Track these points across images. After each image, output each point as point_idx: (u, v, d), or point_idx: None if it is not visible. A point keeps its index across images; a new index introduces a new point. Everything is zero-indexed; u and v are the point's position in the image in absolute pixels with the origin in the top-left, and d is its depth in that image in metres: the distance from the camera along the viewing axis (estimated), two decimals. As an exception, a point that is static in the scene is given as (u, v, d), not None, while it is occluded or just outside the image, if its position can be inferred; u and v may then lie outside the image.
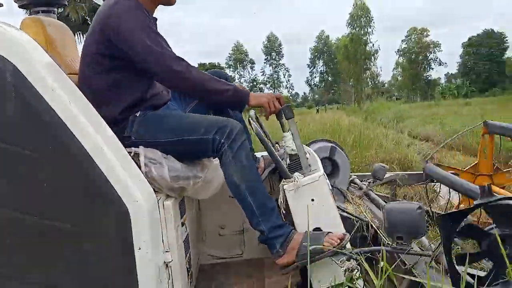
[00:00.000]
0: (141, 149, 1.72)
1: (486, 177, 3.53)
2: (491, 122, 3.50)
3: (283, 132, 1.93)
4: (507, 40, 60.16)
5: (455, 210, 2.03)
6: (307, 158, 1.92)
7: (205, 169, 1.87)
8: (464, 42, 63.89)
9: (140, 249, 1.49)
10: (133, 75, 1.81)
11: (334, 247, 1.62)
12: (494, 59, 59.11)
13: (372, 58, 56.76)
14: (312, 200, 1.78)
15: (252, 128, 1.82)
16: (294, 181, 1.77)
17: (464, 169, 3.64)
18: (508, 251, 1.43)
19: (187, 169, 1.77)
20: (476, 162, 3.64)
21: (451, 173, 3.04)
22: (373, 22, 55.60)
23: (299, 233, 1.74)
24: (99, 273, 1.50)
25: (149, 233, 1.51)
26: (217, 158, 1.81)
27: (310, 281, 1.74)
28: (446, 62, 73.93)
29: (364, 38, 54.77)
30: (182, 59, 1.79)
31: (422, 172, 3.23)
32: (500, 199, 1.48)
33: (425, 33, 64.93)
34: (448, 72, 69.81)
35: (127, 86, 1.81)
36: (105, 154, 1.48)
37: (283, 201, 1.80)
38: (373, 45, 56.48)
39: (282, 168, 1.80)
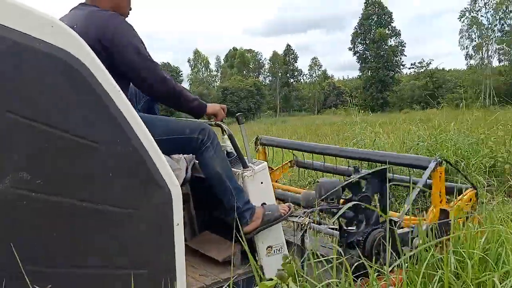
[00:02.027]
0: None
1: None
2: (263, 137, 4.57)
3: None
4: (181, 73, 69.57)
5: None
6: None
7: (179, 161, 2.32)
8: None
9: (177, 224, 1.91)
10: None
11: (287, 213, 2.39)
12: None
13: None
14: (261, 183, 2.45)
15: (225, 130, 2.40)
16: (251, 170, 2.42)
17: None
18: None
19: (173, 162, 2.20)
20: None
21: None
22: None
23: (259, 207, 2.38)
24: (148, 249, 1.83)
25: (181, 211, 1.93)
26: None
27: (256, 244, 2.43)
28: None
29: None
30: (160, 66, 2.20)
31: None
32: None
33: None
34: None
35: None
36: (155, 147, 1.84)
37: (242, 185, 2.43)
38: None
39: (243, 159, 2.42)
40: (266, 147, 4.54)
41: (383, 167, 2.67)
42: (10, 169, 1.50)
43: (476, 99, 40.08)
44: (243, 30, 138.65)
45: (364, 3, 62.30)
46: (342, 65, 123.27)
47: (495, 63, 53.11)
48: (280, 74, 71.02)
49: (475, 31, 52.65)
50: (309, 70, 72.72)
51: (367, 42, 61.25)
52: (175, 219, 1.90)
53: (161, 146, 2.09)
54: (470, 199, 3.35)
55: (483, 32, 52.08)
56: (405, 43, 62.33)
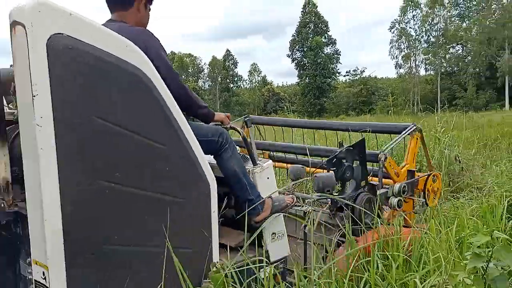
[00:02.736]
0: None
1: None
2: (252, 116, 5.05)
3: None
4: None
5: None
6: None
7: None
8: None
9: (214, 212, 2.29)
10: None
11: (292, 203, 2.83)
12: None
13: None
14: (268, 178, 2.85)
15: (240, 133, 2.79)
16: (260, 167, 2.80)
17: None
18: (348, 174, 3.08)
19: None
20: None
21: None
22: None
23: (267, 198, 2.78)
24: (193, 232, 2.20)
25: (216, 200, 2.31)
26: None
27: (263, 231, 2.81)
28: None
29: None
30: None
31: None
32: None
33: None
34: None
35: None
36: (199, 147, 2.20)
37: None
38: None
39: (254, 158, 2.79)
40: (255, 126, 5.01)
41: (361, 139, 3.25)
42: (100, 164, 1.83)
43: (405, 106, 43.03)
44: (181, 35, 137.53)
45: (301, 11, 64.42)
46: (282, 71, 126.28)
47: (422, 72, 56.97)
48: (219, 79, 71.51)
49: (404, 42, 56.21)
50: (248, 75, 73.97)
51: (305, 50, 63.31)
52: (212, 207, 2.28)
53: None
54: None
55: (411, 42, 55.72)
56: (340, 51, 65.13)
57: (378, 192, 3.25)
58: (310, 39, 62.60)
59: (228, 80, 72.06)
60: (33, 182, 1.73)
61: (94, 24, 1.81)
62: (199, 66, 75.74)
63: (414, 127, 3.72)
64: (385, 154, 3.37)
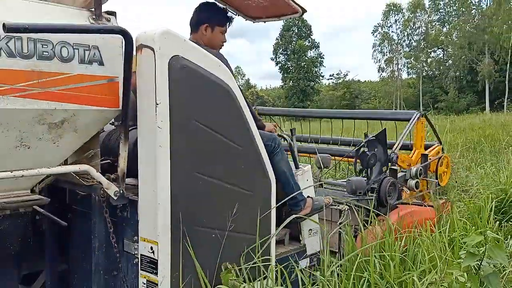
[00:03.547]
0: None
1: None
2: (260, 108, 5.79)
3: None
4: None
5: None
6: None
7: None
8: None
9: (273, 205, 2.70)
10: None
11: (329, 203, 3.25)
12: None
13: None
14: (307, 180, 3.26)
15: (287, 140, 3.27)
16: (302, 170, 3.23)
17: None
18: (373, 161, 3.63)
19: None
20: None
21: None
22: None
23: (309, 198, 3.17)
24: (257, 222, 2.56)
25: (275, 195, 2.73)
26: None
27: (301, 227, 3.21)
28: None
29: None
30: None
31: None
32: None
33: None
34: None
35: None
36: (264, 149, 2.63)
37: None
38: None
39: (297, 162, 3.24)
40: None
41: (382, 129, 3.80)
42: (194, 159, 2.26)
43: (388, 109, 43.70)
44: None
45: (285, 15, 64.62)
46: (265, 74, 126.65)
47: (404, 75, 57.95)
48: (204, 82, 71.32)
49: (387, 46, 57.12)
50: (232, 78, 73.84)
51: (288, 53, 63.78)
52: (272, 201, 2.70)
53: None
54: (438, 152, 4.74)
55: (394, 46, 56.63)
56: (323, 55, 65.79)
57: (399, 175, 3.85)
58: (293, 42, 63.05)
59: (212, 83, 71.93)
60: (150, 173, 2.14)
61: (198, 48, 2.27)
62: (183, 69, 75.42)
63: (419, 114, 4.28)
64: (396, 154, 3.89)
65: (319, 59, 64.97)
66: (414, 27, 54.95)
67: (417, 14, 54.05)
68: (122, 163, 2.25)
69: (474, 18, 47.22)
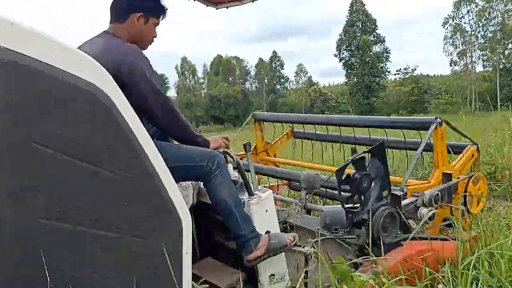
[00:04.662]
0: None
1: (264, 152, 4.49)
2: (257, 113, 4.56)
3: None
4: (168, 81, 70.72)
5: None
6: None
7: (187, 189, 2.24)
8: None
9: (186, 253, 1.87)
10: None
11: (292, 242, 2.32)
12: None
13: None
14: (266, 210, 2.39)
15: (233, 158, 2.32)
16: (257, 197, 2.34)
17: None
18: (366, 184, 2.38)
19: (182, 190, 2.12)
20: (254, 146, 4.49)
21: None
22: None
23: (265, 235, 2.32)
24: (158, 277, 1.77)
25: (190, 239, 1.89)
26: None
27: (259, 272, 2.35)
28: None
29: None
30: (173, 102, 2.17)
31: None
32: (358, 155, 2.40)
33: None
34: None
35: None
36: (169, 176, 1.78)
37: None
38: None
39: (250, 188, 2.34)
40: (262, 123, 4.51)
41: (378, 142, 2.52)
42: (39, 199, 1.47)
43: (464, 104, 40.70)
44: (225, 37, 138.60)
45: (348, 10, 62.97)
46: (327, 71, 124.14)
47: (479, 68, 54.10)
48: (266, 81, 71.28)
49: (459, 38, 53.59)
50: (295, 76, 73.24)
51: (352, 49, 61.83)
52: (184, 248, 1.86)
53: (172, 173, 2.09)
54: (472, 155, 3.44)
55: (467, 38, 53.01)
56: (389, 50, 63.08)
57: (403, 202, 2.60)
58: (357, 38, 61.03)
59: (274, 82, 71.69)
60: None
61: (40, 35, 1.45)
62: (246, 68, 75.89)
63: (437, 122, 3.02)
64: (403, 191, 2.73)
65: (385, 54, 62.45)
66: (489, 17, 51.06)
67: (492, 3, 50.17)
68: None
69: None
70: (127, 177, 1.64)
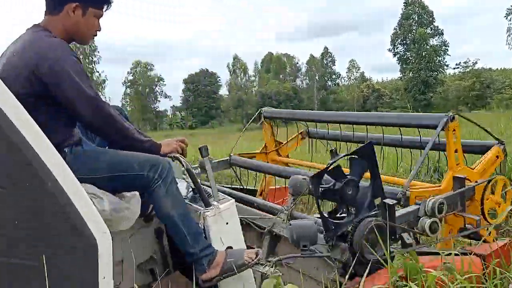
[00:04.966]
0: (83, 186, 1.79)
1: (274, 152, 4.20)
2: (266, 109, 4.23)
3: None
4: (219, 79, 70.88)
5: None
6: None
7: (131, 200, 2.03)
8: (184, 78, 70.36)
9: (104, 278, 1.61)
10: (54, 114, 1.89)
11: (253, 260, 2.04)
12: (211, 95, 68.25)
13: (100, 87, 55.64)
14: (227, 223, 2.15)
15: (183, 165, 2.09)
16: (215, 208, 2.10)
17: (259, 152, 4.20)
18: (351, 192, 2.06)
19: (123, 201, 1.92)
20: (264, 145, 4.25)
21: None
22: (98, 52, 56.76)
23: (221, 252, 2.08)
24: None
25: (110, 263, 1.64)
26: None
27: None
28: (171, 95, 78.25)
29: (89, 67, 53.77)
30: (108, 104, 1.95)
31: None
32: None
33: (149, 67, 69.08)
34: (173, 105, 74.19)
35: (52, 124, 1.82)
36: (79, 190, 1.56)
37: (203, 226, 2.11)
38: (99, 74, 56.98)
39: (204, 197, 2.11)
40: (272, 121, 4.21)
41: (366, 143, 2.17)
42: None
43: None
44: (276, 34, 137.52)
45: (404, 3, 60.55)
46: (381, 66, 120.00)
47: (546, 60, 50.22)
48: (317, 78, 70.15)
49: (524, 29, 50.10)
50: (347, 72, 71.55)
51: (407, 43, 59.44)
52: (101, 272, 1.61)
53: (105, 183, 1.91)
54: (497, 156, 2.92)
55: (532, 29, 49.46)
56: (448, 43, 60.04)
57: (398, 214, 2.18)
58: (413, 31, 58.56)
59: (325, 78, 70.40)
60: None
61: None
62: (297, 65, 75.11)
63: (448, 118, 2.62)
64: (404, 194, 2.37)
65: (443, 47, 59.50)
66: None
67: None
68: None
69: None
70: (18, 192, 1.43)
